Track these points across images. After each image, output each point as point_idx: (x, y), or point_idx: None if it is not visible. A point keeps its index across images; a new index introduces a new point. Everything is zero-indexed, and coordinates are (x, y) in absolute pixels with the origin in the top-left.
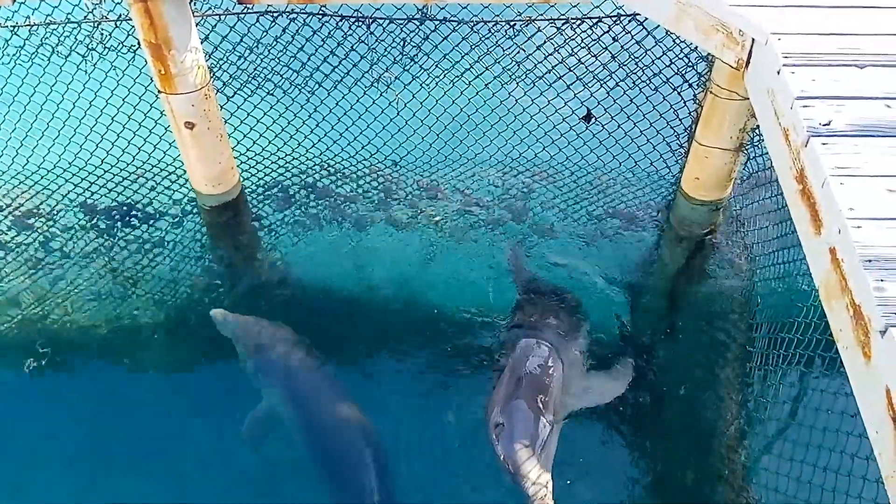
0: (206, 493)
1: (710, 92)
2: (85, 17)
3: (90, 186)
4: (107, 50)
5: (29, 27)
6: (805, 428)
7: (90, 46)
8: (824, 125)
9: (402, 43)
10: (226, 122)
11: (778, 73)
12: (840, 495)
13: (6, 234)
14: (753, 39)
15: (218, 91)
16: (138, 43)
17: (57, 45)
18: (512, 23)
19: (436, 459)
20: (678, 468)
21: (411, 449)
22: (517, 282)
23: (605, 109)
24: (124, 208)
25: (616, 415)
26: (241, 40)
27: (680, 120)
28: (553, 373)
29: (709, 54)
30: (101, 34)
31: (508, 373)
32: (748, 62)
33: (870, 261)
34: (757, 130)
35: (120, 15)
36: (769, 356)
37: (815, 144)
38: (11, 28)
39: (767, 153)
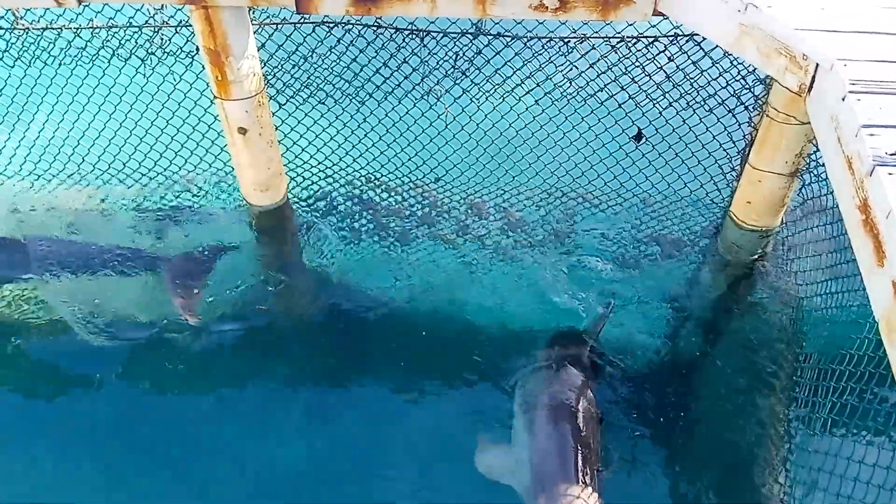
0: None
1: (767, 115)
2: (146, 21)
3: (143, 189)
4: (165, 55)
5: (91, 29)
6: (854, 463)
7: (149, 51)
8: (891, 154)
9: (454, 56)
10: (276, 128)
11: (843, 99)
12: None
13: (57, 234)
14: (818, 65)
15: (270, 98)
16: (196, 49)
17: (117, 48)
18: (566, 39)
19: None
20: (719, 501)
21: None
22: (589, 332)
23: (656, 129)
24: (175, 210)
25: (656, 443)
26: (297, 49)
27: (733, 142)
28: (594, 410)
29: (767, 77)
30: (161, 39)
31: (543, 418)
32: (811, 87)
33: None
34: (813, 156)
35: (180, 21)
36: (818, 388)
37: (881, 174)
38: (75, 30)
39: (820, 180)
